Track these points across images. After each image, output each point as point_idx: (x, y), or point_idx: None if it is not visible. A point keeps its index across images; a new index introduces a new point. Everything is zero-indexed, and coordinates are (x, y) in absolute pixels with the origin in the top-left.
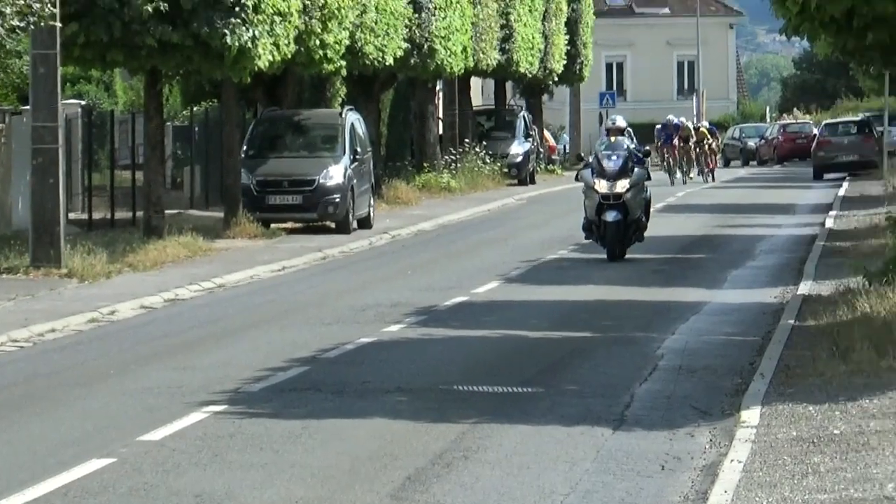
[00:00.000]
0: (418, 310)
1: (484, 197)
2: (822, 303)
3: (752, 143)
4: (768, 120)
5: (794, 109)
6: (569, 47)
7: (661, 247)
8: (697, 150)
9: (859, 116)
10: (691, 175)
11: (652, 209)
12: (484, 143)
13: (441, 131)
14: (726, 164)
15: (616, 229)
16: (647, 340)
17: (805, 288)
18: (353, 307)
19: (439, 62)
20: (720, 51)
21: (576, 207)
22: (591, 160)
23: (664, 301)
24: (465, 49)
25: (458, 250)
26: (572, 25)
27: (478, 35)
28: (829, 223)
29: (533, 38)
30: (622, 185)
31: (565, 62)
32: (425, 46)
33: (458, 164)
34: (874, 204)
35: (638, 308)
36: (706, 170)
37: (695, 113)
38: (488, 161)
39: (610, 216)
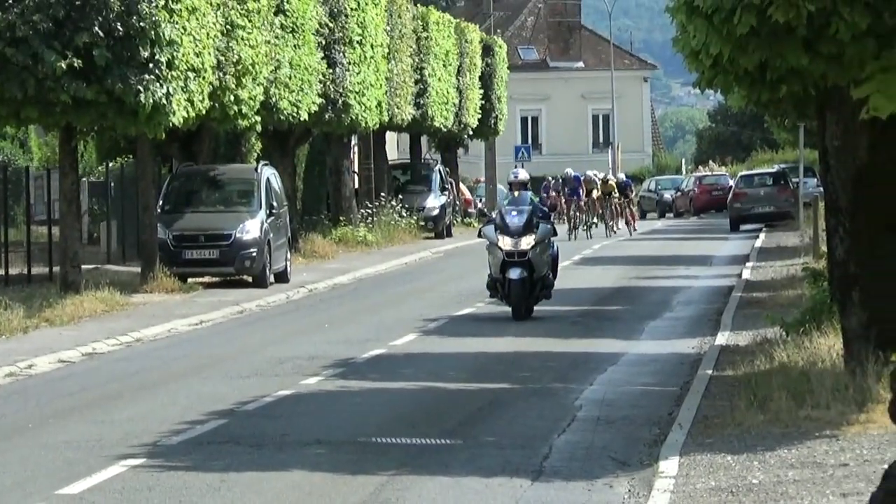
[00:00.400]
0: (336, 362)
1: (401, 250)
2: (739, 353)
3: (668, 196)
4: (684, 172)
5: (710, 161)
6: (483, 101)
7: (578, 299)
8: (602, 202)
9: (775, 168)
10: (610, 227)
11: (569, 262)
12: (400, 196)
13: (357, 185)
14: (643, 216)
15: (521, 287)
16: (565, 391)
17: (722, 338)
18: (271, 360)
19: (354, 117)
20: (635, 104)
21: None
22: (494, 216)
23: (582, 352)
24: (379, 104)
25: (376, 303)
26: (487, 80)
27: (392, 90)
28: (746, 274)
29: (447, 92)
30: (527, 242)
31: (480, 116)
32: (340, 101)
33: (375, 218)
34: (790, 255)
35: (556, 359)
36: (611, 224)
37: (610, 166)
38: (405, 215)
39: (514, 274)
